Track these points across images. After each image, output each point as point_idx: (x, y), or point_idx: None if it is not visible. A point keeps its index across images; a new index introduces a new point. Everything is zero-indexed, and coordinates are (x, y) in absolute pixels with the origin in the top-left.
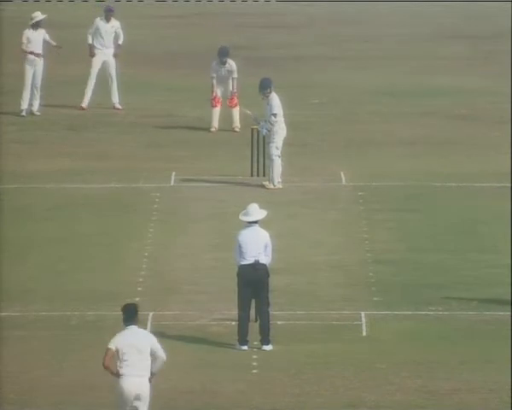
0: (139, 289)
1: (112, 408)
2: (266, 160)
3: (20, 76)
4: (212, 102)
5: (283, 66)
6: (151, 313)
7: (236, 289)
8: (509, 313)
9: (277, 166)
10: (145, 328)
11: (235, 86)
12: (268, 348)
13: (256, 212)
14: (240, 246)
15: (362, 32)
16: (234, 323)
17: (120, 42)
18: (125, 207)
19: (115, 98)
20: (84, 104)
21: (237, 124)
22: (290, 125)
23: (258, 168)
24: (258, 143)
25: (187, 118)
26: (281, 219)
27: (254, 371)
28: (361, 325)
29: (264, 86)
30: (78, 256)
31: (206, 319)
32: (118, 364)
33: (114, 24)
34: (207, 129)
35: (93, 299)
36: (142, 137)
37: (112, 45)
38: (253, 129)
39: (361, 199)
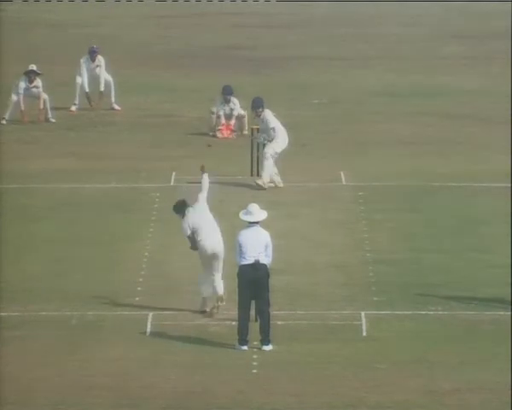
0: (139, 289)
1: (111, 408)
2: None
3: (20, 76)
4: (220, 132)
5: (283, 66)
6: (151, 313)
7: (236, 289)
8: (509, 313)
9: (269, 165)
10: (145, 329)
11: (236, 122)
12: (268, 348)
13: (258, 212)
14: (240, 246)
15: (362, 32)
16: (234, 323)
17: (102, 88)
18: (125, 207)
19: (113, 99)
20: (74, 108)
21: (246, 132)
22: (290, 125)
23: (258, 168)
24: (259, 143)
25: (187, 118)
26: (281, 219)
27: (254, 371)
28: (361, 325)
29: (257, 105)
30: (78, 256)
31: (206, 319)
32: (195, 236)
33: (99, 63)
34: (207, 129)
35: (93, 299)
36: (142, 137)
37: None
38: (252, 129)
39: (361, 199)
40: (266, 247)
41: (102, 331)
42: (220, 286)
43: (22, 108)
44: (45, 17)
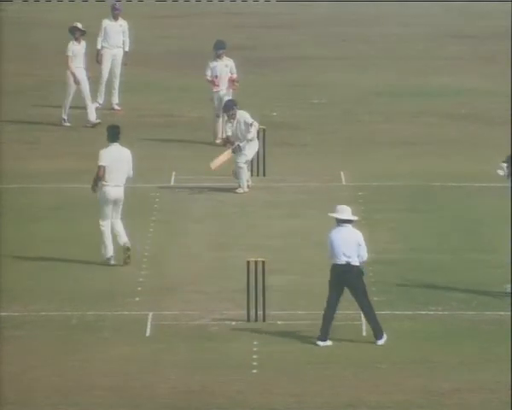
0: (139, 289)
1: (111, 408)
2: (266, 160)
3: (20, 76)
4: (213, 83)
5: (283, 66)
6: (151, 313)
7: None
8: (509, 313)
9: (244, 173)
10: (145, 329)
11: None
12: (382, 341)
13: (348, 211)
14: (331, 244)
15: (362, 32)
16: (234, 323)
17: (127, 48)
18: (125, 207)
19: (115, 99)
20: (101, 100)
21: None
22: (290, 125)
23: (257, 168)
24: (258, 143)
25: (187, 118)
26: (281, 219)
27: (254, 371)
28: (361, 324)
29: (228, 108)
30: (78, 256)
31: (206, 319)
32: (104, 175)
33: (122, 23)
34: (207, 129)
35: (93, 299)
36: (142, 137)
37: (120, 45)
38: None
39: (361, 199)
40: (359, 247)
41: (102, 331)
42: (124, 236)
43: (73, 70)
44: (45, 17)
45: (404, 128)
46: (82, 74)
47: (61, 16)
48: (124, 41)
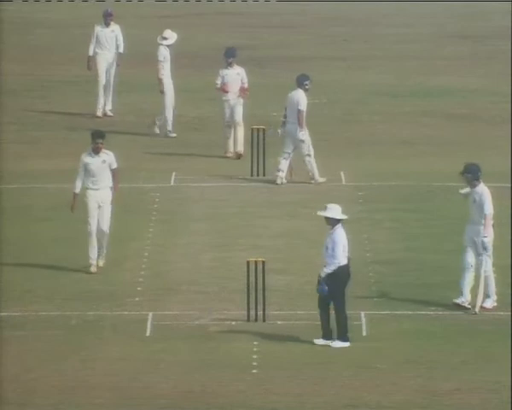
0: (139, 289)
1: (112, 408)
2: (266, 160)
3: (20, 76)
4: (223, 90)
5: (283, 66)
6: (151, 313)
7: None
8: (509, 313)
9: (312, 162)
10: (145, 329)
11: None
12: (339, 345)
13: (339, 209)
14: (344, 246)
15: (362, 32)
16: (234, 323)
17: (121, 50)
18: (125, 207)
19: (108, 105)
20: (99, 112)
21: (241, 148)
22: None
23: (258, 168)
24: (258, 143)
25: (187, 118)
26: (281, 219)
27: (254, 371)
28: (361, 324)
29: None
30: (78, 256)
31: (206, 319)
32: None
33: (114, 28)
34: (207, 129)
35: (93, 299)
36: (141, 137)
37: (114, 50)
38: (252, 129)
39: (361, 199)
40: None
41: (102, 331)
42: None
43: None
44: (45, 17)
45: (404, 128)
46: (170, 83)
47: (61, 16)
48: (118, 45)
